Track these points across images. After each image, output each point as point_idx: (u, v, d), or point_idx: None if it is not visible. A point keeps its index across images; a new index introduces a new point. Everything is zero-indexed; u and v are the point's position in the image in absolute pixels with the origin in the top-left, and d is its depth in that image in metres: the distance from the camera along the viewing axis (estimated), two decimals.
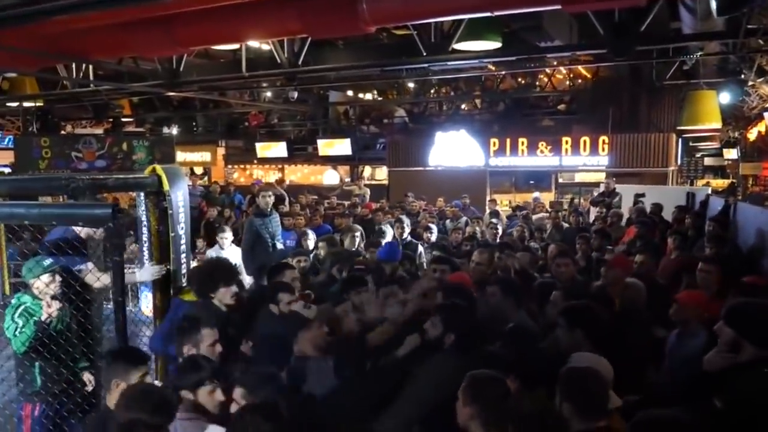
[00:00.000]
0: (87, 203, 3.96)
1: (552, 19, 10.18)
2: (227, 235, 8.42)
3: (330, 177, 22.71)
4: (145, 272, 4.50)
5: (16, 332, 3.97)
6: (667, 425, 2.55)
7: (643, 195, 11.22)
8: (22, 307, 4.05)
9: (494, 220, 9.92)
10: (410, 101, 21.53)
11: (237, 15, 8.69)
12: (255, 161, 22.68)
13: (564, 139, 16.03)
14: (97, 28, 9.02)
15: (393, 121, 21.02)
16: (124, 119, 21.46)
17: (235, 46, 11.89)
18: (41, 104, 18.79)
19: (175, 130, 22.54)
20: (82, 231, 4.59)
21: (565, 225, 10.35)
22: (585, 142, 15.73)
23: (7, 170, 19.03)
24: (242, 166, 24.23)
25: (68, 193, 3.79)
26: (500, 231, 9.23)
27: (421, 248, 8.00)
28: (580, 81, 19.45)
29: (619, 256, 6.02)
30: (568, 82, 19.88)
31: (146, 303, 5.20)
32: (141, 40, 9.50)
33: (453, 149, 17.16)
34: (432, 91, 21.52)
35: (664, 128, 15.83)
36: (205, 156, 22.79)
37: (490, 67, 13.33)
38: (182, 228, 4.84)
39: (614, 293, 5.21)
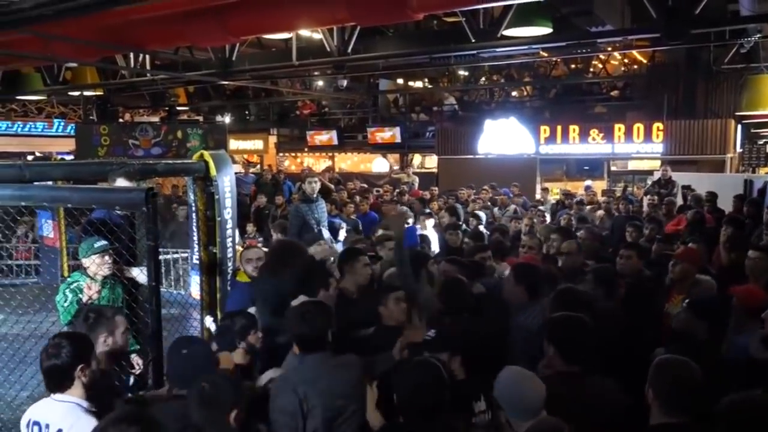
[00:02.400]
0: (124, 187, 4.11)
1: (603, 3, 9.98)
2: (277, 234, 8.12)
3: (379, 165, 22.79)
4: None
5: (65, 304, 4.17)
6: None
7: (689, 187, 10.94)
8: (75, 283, 4.26)
9: (541, 208, 9.88)
10: (460, 89, 21.41)
11: (287, 4, 8.85)
12: (306, 149, 22.95)
13: (617, 126, 15.71)
14: (154, 18, 9.31)
15: (443, 109, 20.96)
16: (179, 108, 21.98)
17: (286, 35, 12.04)
18: (101, 93, 19.40)
19: (228, 119, 22.96)
20: None
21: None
22: (639, 129, 15.37)
23: (69, 157, 19.73)
24: (293, 154, 24.52)
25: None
26: (547, 219, 9.17)
27: None
28: (635, 67, 19.01)
29: (688, 248, 5.66)
30: (623, 68, 19.45)
31: (195, 287, 5.36)
32: (195, 30, 9.75)
33: (503, 137, 17.01)
34: (483, 78, 21.34)
35: (722, 114, 15.35)
36: (257, 144, 23.15)
37: (542, 53, 13.18)
38: (228, 213, 4.98)
39: (682, 289, 4.94)
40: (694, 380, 2.80)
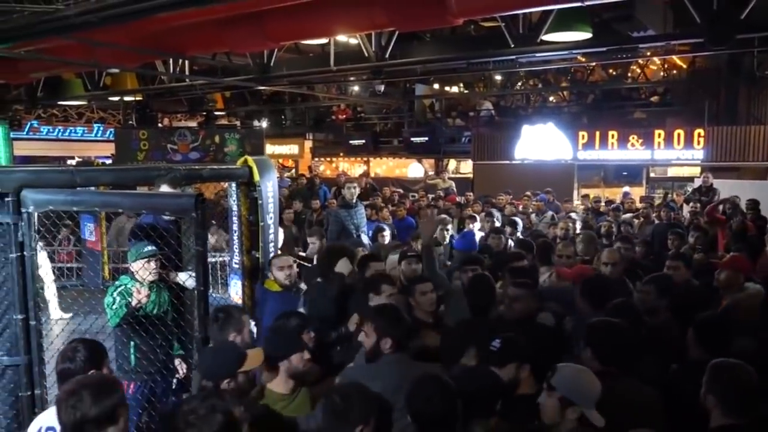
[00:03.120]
0: (173, 193, 4.17)
1: (645, 7, 9.85)
2: (314, 240, 7.45)
3: (414, 170, 22.77)
4: None
5: (113, 306, 4.25)
6: None
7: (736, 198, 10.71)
8: (123, 286, 4.33)
9: (572, 215, 9.80)
10: (496, 93, 21.32)
11: (325, 9, 8.89)
12: (341, 154, 23.03)
13: (657, 131, 15.43)
14: (194, 25, 9.45)
15: (479, 114, 20.89)
16: (216, 113, 22.25)
17: (324, 40, 12.11)
18: (140, 98, 19.72)
19: (264, 123, 23.18)
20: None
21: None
22: (679, 135, 15.10)
23: (108, 161, 20.11)
24: (328, 159, 24.67)
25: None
26: (578, 226, 9.05)
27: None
28: (675, 72, 18.72)
29: (734, 256, 5.54)
30: (662, 73, 19.17)
31: (235, 290, 5.41)
32: (234, 36, 9.88)
33: (540, 142, 16.84)
34: (519, 83, 21.21)
35: (766, 120, 15.02)
36: (293, 149, 23.36)
37: (580, 58, 13.04)
38: (271, 218, 5.03)
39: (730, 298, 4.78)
40: (751, 383, 2.87)
